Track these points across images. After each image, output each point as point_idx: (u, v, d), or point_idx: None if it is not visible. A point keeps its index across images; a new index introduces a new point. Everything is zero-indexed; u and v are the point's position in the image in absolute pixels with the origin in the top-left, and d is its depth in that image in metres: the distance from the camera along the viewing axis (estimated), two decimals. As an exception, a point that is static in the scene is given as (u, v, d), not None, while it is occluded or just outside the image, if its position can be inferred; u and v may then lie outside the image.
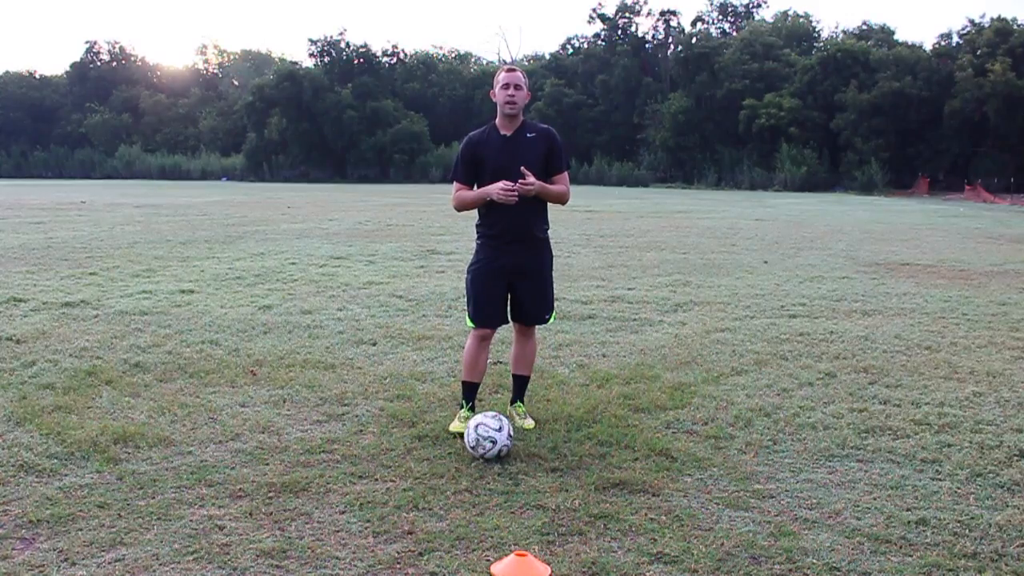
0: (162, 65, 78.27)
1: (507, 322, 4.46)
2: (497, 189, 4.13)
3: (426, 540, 3.12)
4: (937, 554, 3.04)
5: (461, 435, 4.14)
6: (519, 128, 4.28)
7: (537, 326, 4.54)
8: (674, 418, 4.56)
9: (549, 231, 4.46)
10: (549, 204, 4.39)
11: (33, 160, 68.09)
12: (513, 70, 4.31)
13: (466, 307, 4.54)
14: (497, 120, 4.31)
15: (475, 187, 4.34)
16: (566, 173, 4.38)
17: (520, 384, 4.58)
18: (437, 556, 3.01)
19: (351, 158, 58.83)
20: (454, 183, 4.42)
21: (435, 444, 4.14)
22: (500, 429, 3.90)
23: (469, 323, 4.47)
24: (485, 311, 4.37)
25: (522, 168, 4.13)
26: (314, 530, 3.21)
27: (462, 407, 4.43)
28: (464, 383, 4.47)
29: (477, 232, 4.42)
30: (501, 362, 5.67)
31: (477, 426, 3.92)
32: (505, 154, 4.22)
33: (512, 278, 4.36)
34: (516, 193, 4.11)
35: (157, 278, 9.37)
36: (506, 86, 4.22)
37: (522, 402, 4.57)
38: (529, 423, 4.41)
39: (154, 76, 75.22)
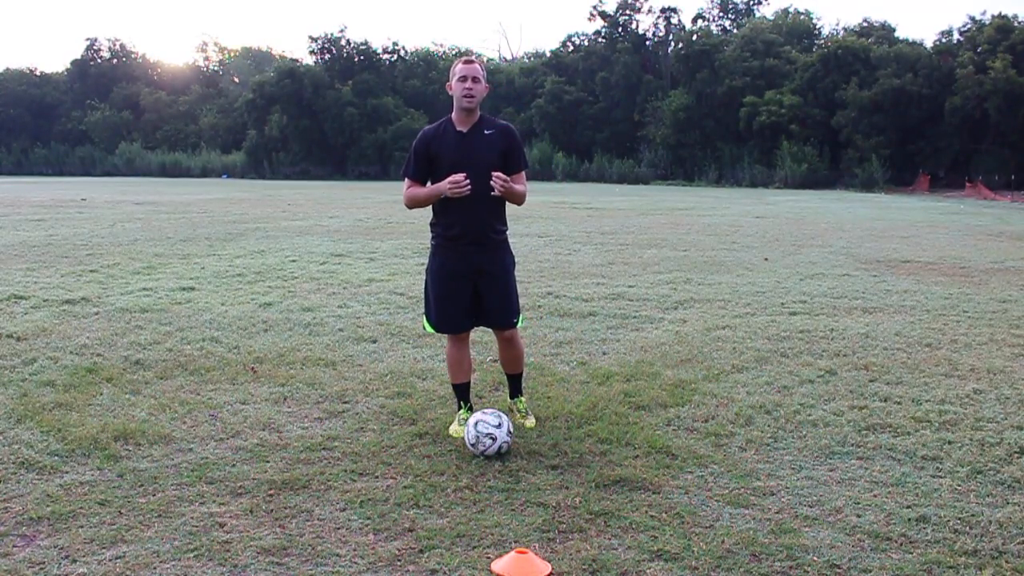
0: (162, 62, 78.17)
1: (475, 325, 4.32)
2: (447, 184, 3.94)
3: (427, 537, 3.12)
4: (938, 551, 3.04)
5: (456, 438, 4.14)
6: (476, 124, 4.07)
7: (518, 327, 4.35)
8: (675, 415, 4.56)
9: (507, 232, 4.28)
10: (507, 205, 4.21)
11: (33, 157, 68.01)
12: (471, 61, 4.08)
13: (424, 310, 4.37)
14: (453, 115, 4.09)
15: (428, 184, 4.12)
16: (523, 173, 4.17)
17: (514, 381, 4.50)
18: (437, 553, 3.01)
19: (351, 155, 58.77)
20: (405, 179, 4.17)
21: (435, 441, 4.14)
22: (500, 426, 3.90)
23: (428, 327, 4.33)
24: (449, 317, 4.23)
25: (494, 174, 3.92)
26: (314, 527, 3.21)
27: (460, 408, 4.39)
28: (454, 386, 4.42)
29: (432, 232, 4.24)
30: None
31: (476, 423, 3.92)
32: (461, 151, 4.03)
33: (476, 282, 4.18)
34: (468, 187, 3.93)
35: (158, 275, 9.37)
36: (464, 79, 4.00)
37: (521, 396, 4.49)
38: (531, 422, 4.36)
39: (154, 73, 75.11)
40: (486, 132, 4.08)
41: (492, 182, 3.91)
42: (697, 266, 10.74)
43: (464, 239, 4.12)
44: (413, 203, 4.18)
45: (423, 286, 4.43)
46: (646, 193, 35.72)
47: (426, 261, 4.44)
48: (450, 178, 3.95)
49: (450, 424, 4.34)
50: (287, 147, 59.46)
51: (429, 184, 4.12)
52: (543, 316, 7.27)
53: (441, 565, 2.94)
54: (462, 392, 4.41)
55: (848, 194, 38.60)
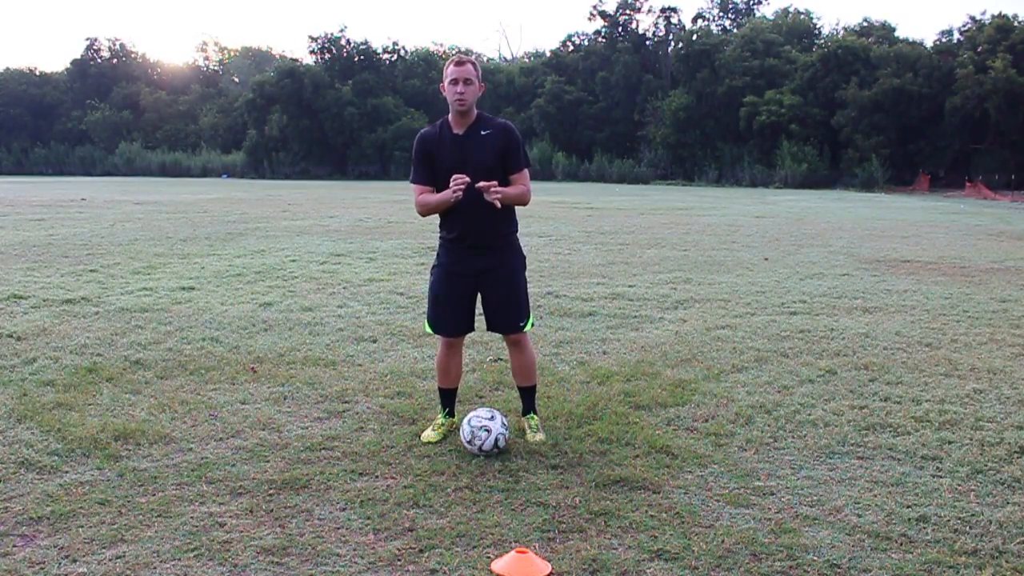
0: (162, 62, 78.27)
1: (472, 329, 4.25)
2: (449, 193, 3.81)
3: (426, 537, 3.12)
4: (938, 551, 3.04)
5: (432, 443, 4.08)
6: (473, 124, 3.95)
7: (527, 331, 4.23)
8: (675, 415, 4.56)
9: (518, 232, 4.18)
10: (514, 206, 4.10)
11: (33, 157, 68.04)
12: (463, 62, 3.90)
13: (427, 310, 4.29)
14: (450, 116, 3.98)
15: (436, 186, 4.04)
16: (526, 171, 4.03)
17: (526, 395, 4.31)
18: (437, 553, 3.01)
19: (351, 155, 58.82)
20: (414, 186, 4.06)
21: (435, 441, 4.14)
22: (492, 418, 3.91)
23: (427, 328, 4.26)
24: (445, 319, 4.15)
25: (479, 185, 3.78)
26: (314, 527, 3.21)
27: (440, 413, 4.32)
28: (439, 389, 4.36)
29: (439, 232, 4.19)
30: (502, 359, 5.67)
31: (470, 419, 3.93)
32: (457, 154, 3.92)
33: (478, 284, 4.10)
34: (464, 185, 3.79)
35: (157, 275, 9.37)
36: (455, 82, 3.84)
37: (535, 413, 4.30)
38: (540, 437, 4.15)
39: (154, 73, 75.17)
40: (483, 132, 3.94)
41: (487, 196, 3.80)
42: (697, 266, 10.74)
43: (467, 241, 4.04)
44: (425, 211, 4.07)
45: (427, 286, 4.38)
46: (646, 193, 35.71)
47: (427, 261, 4.42)
48: (452, 183, 3.82)
49: (424, 430, 4.23)
50: (287, 147, 59.49)
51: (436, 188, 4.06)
52: (543, 316, 7.27)
53: (441, 564, 2.94)
54: (446, 398, 4.32)
55: (848, 194, 38.59)
